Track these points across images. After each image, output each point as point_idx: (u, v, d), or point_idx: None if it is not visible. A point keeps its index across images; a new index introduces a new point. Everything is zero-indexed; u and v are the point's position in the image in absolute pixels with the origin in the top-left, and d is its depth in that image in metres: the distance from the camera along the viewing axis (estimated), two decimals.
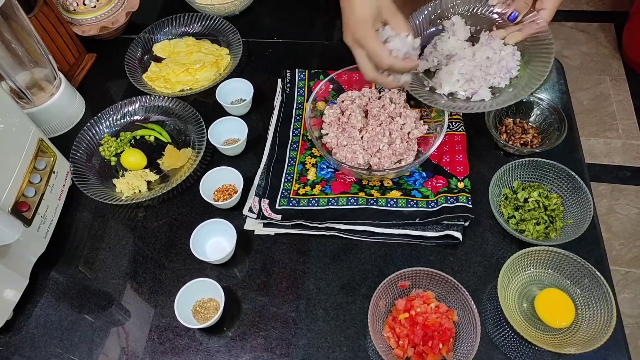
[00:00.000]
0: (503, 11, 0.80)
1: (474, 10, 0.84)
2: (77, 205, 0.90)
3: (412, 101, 0.92)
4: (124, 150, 0.94)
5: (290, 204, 0.85)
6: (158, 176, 0.92)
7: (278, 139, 0.94)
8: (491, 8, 0.81)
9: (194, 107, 0.98)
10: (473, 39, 0.84)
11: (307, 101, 0.97)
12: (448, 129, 0.90)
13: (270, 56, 1.11)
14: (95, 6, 1.08)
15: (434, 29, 0.86)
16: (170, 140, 0.97)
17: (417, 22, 0.86)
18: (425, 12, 0.86)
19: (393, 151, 0.85)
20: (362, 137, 0.86)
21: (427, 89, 0.84)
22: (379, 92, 0.92)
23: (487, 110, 0.81)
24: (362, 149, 0.85)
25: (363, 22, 0.68)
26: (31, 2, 0.96)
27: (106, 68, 1.11)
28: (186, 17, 1.15)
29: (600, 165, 1.97)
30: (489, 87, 0.81)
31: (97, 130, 0.97)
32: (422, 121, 0.89)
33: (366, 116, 0.89)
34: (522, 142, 0.89)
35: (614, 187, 1.90)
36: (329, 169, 0.89)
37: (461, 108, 0.82)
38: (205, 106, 1.00)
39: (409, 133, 0.87)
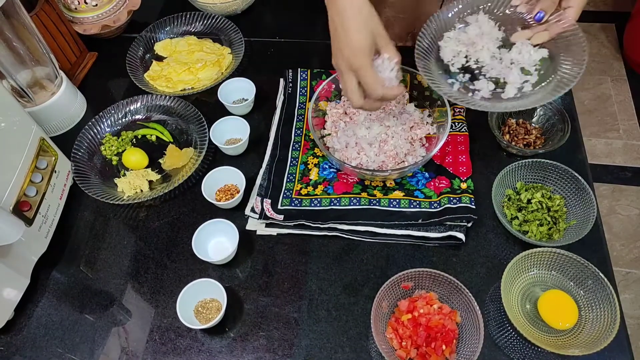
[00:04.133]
0: (527, 11, 0.77)
1: (499, 10, 0.81)
2: (79, 204, 0.90)
3: (416, 101, 0.92)
4: (125, 150, 0.94)
5: (293, 204, 0.84)
6: (160, 176, 0.92)
7: (280, 139, 0.93)
8: (514, 8, 0.79)
9: (196, 107, 0.97)
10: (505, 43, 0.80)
11: (309, 101, 0.97)
12: (451, 130, 0.89)
13: (272, 55, 1.10)
14: (96, 5, 1.08)
15: (461, 25, 0.84)
16: (172, 140, 0.97)
17: (450, 15, 0.83)
18: (455, 9, 0.83)
19: (396, 151, 0.84)
20: (365, 137, 0.86)
21: (457, 89, 0.81)
22: None
23: (521, 109, 0.77)
24: (365, 149, 0.85)
25: (360, 51, 0.66)
26: (32, 0, 0.96)
27: (107, 67, 1.11)
28: (188, 16, 1.15)
29: (601, 165, 1.97)
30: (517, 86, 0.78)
31: (99, 129, 0.97)
32: (425, 121, 0.89)
33: (369, 115, 0.89)
34: (525, 142, 0.89)
35: (615, 188, 1.90)
36: (332, 169, 0.89)
37: (495, 107, 0.78)
38: (207, 105, 1.00)
39: (412, 133, 0.87)
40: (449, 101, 0.84)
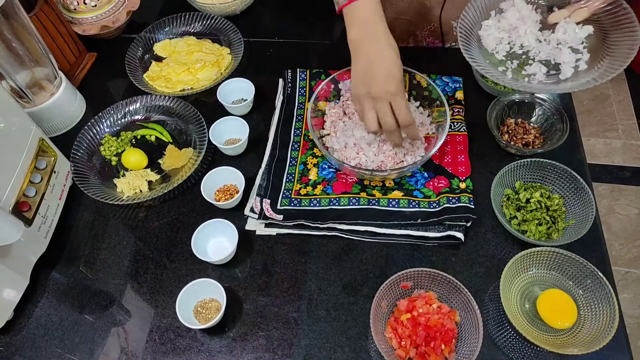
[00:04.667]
0: None
1: None
2: (78, 205, 0.90)
3: (416, 101, 0.92)
4: (124, 150, 0.94)
5: (292, 204, 0.84)
6: (159, 176, 0.92)
7: (279, 139, 0.93)
8: None
9: (195, 107, 0.97)
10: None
11: (308, 101, 0.97)
12: (450, 130, 0.89)
13: (271, 56, 1.10)
14: (95, 5, 1.08)
15: (496, 13, 0.83)
16: (171, 140, 0.97)
17: (484, 4, 0.83)
18: None
19: (395, 151, 0.84)
20: (364, 137, 0.86)
21: (509, 75, 0.80)
22: None
23: (581, 89, 0.76)
24: (364, 149, 0.85)
25: (399, 80, 0.74)
26: (32, 1, 0.96)
27: (107, 67, 1.11)
28: (187, 17, 1.15)
29: (600, 165, 1.97)
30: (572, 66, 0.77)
31: (98, 129, 0.97)
32: (423, 122, 0.89)
33: None
34: (523, 142, 0.89)
35: (614, 187, 1.90)
36: (331, 169, 0.89)
37: (554, 89, 0.77)
38: (206, 106, 1.00)
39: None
40: (447, 101, 0.84)
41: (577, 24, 0.76)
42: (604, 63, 0.75)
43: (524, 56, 0.79)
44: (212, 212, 0.86)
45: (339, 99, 0.94)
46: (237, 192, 0.85)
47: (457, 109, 0.93)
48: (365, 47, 0.75)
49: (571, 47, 0.77)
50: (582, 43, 0.77)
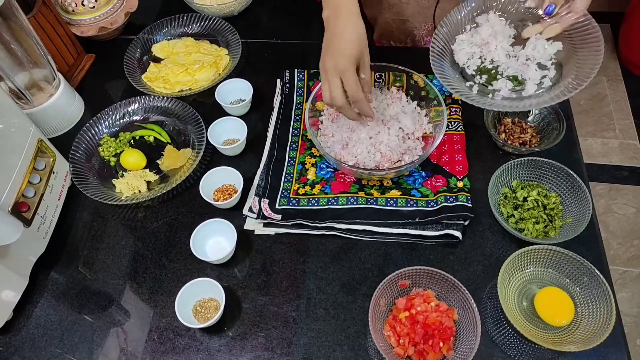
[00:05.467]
0: (537, 5, 0.77)
1: (512, 7, 0.81)
2: (77, 205, 0.90)
3: (415, 101, 0.92)
4: (123, 151, 0.94)
5: (290, 204, 0.85)
6: (158, 176, 0.92)
7: (278, 139, 0.94)
8: (525, 3, 0.79)
9: (193, 108, 0.98)
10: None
11: (306, 101, 0.97)
12: (447, 129, 0.90)
13: (269, 56, 1.11)
14: (94, 7, 1.08)
15: (472, 26, 0.84)
16: (169, 141, 0.97)
17: (460, 17, 0.84)
18: (465, 10, 0.84)
19: (393, 151, 0.85)
20: (362, 137, 0.86)
21: (475, 92, 0.82)
22: (380, 91, 0.92)
23: (544, 106, 0.77)
24: (362, 148, 0.85)
25: (350, 57, 0.74)
26: (30, 2, 0.96)
27: (105, 68, 1.11)
28: (185, 18, 1.15)
29: (597, 165, 1.98)
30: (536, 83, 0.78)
31: (97, 130, 0.97)
32: (421, 121, 0.89)
33: None
34: (520, 141, 0.89)
35: (612, 187, 1.91)
36: (329, 169, 0.89)
37: (518, 107, 0.77)
38: (205, 106, 1.00)
39: (409, 132, 0.87)
40: (445, 101, 0.85)
41: (549, 39, 0.77)
42: (567, 81, 0.76)
43: (492, 71, 0.80)
44: (211, 212, 0.86)
45: None
46: (236, 192, 0.86)
47: (454, 109, 0.93)
48: (331, 24, 0.77)
49: (539, 63, 0.78)
50: (551, 60, 0.77)
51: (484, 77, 0.81)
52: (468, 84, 0.82)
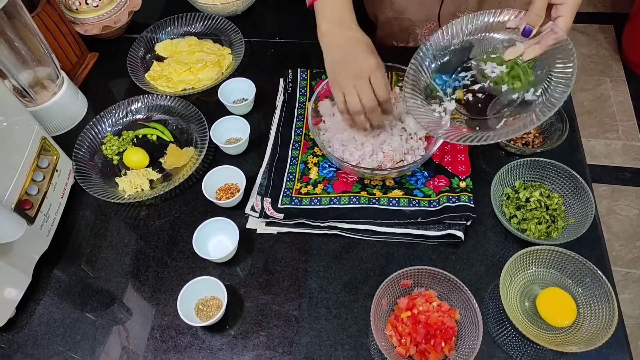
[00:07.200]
0: (516, 26, 0.74)
1: (486, 34, 0.78)
2: (80, 203, 0.90)
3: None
4: (126, 149, 0.95)
5: (293, 203, 0.85)
6: (160, 175, 0.92)
7: (280, 138, 0.94)
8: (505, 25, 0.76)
9: (196, 106, 0.98)
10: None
11: (309, 101, 0.97)
12: None
13: (272, 56, 1.11)
14: (97, 5, 1.08)
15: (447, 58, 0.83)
16: (172, 139, 0.98)
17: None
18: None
19: (396, 151, 0.85)
20: (365, 137, 0.86)
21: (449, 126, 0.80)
22: None
23: (512, 137, 0.73)
24: (364, 148, 0.85)
25: (375, 59, 0.77)
26: (34, 1, 0.97)
27: (108, 67, 1.12)
28: (188, 17, 1.16)
29: (600, 166, 1.97)
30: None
31: (100, 128, 0.98)
32: None
33: None
34: (523, 142, 0.89)
35: (614, 188, 1.90)
36: (331, 168, 0.89)
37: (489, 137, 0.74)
38: (208, 105, 1.01)
39: (412, 133, 0.87)
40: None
41: (528, 60, 0.74)
42: (538, 106, 0.73)
43: (464, 89, 0.81)
44: (213, 210, 0.86)
45: None
46: (238, 191, 0.86)
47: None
48: (338, 36, 0.78)
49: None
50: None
51: (456, 94, 0.82)
52: (438, 110, 0.82)
